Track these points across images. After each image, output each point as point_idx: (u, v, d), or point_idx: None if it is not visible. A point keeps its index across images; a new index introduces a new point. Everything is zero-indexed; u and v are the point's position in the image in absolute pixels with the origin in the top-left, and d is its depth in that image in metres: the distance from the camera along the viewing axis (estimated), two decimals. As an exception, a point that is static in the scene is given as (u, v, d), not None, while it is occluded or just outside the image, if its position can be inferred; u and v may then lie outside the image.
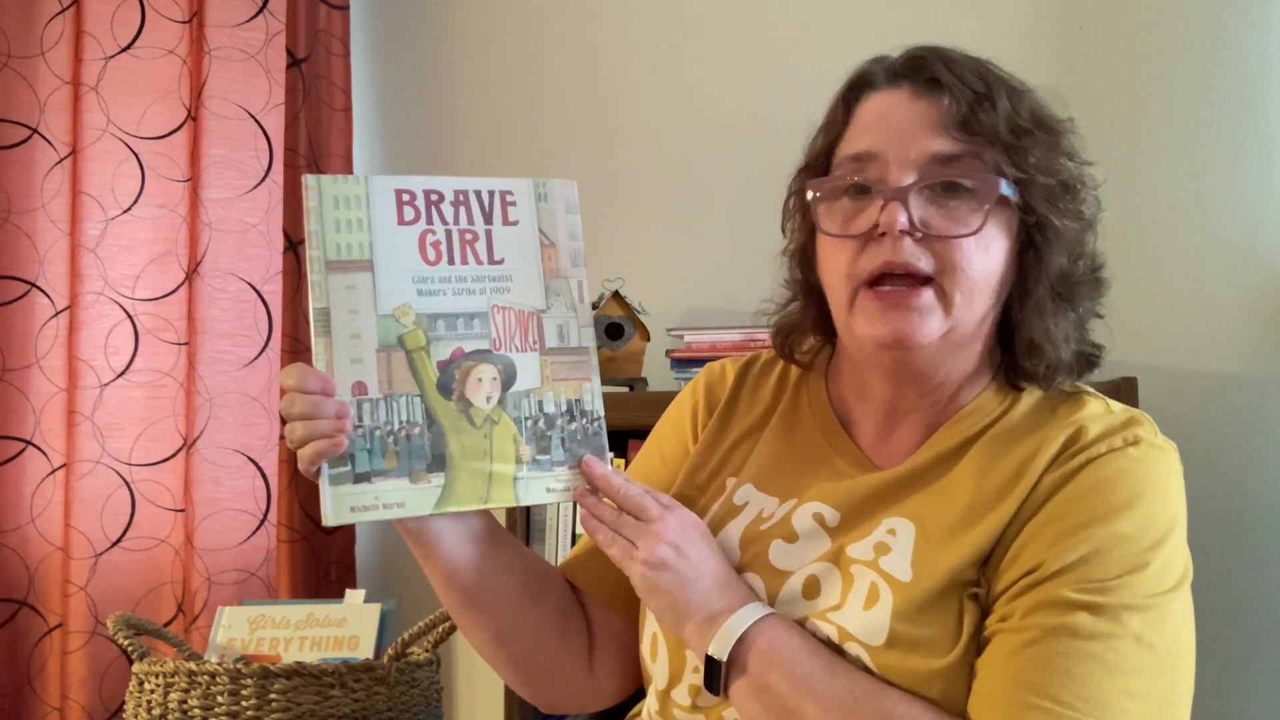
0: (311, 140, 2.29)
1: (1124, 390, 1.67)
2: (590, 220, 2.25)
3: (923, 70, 0.96)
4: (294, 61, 2.26)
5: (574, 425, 1.02)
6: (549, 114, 2.33)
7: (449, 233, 1.01)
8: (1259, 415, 1.87)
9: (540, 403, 1.01)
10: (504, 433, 0.99)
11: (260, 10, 2.21)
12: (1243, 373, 1.88)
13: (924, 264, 0.92)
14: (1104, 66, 1.96)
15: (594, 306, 2.04)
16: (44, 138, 2.21)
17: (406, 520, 0.97)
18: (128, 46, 2.20)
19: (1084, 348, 1.00)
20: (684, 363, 1.97)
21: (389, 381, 0.96)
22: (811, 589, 0.95)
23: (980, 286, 0.94)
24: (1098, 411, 0.96)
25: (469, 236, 1.01)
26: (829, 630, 0.92)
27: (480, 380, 0.99)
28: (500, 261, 1.02)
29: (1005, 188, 0.93)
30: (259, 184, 2.20)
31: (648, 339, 2.06)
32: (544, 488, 1.00)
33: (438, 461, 0.96)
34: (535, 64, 2.35)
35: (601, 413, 1.04)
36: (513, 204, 1.03)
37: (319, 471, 0.93)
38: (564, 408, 1.02)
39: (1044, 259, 0.96)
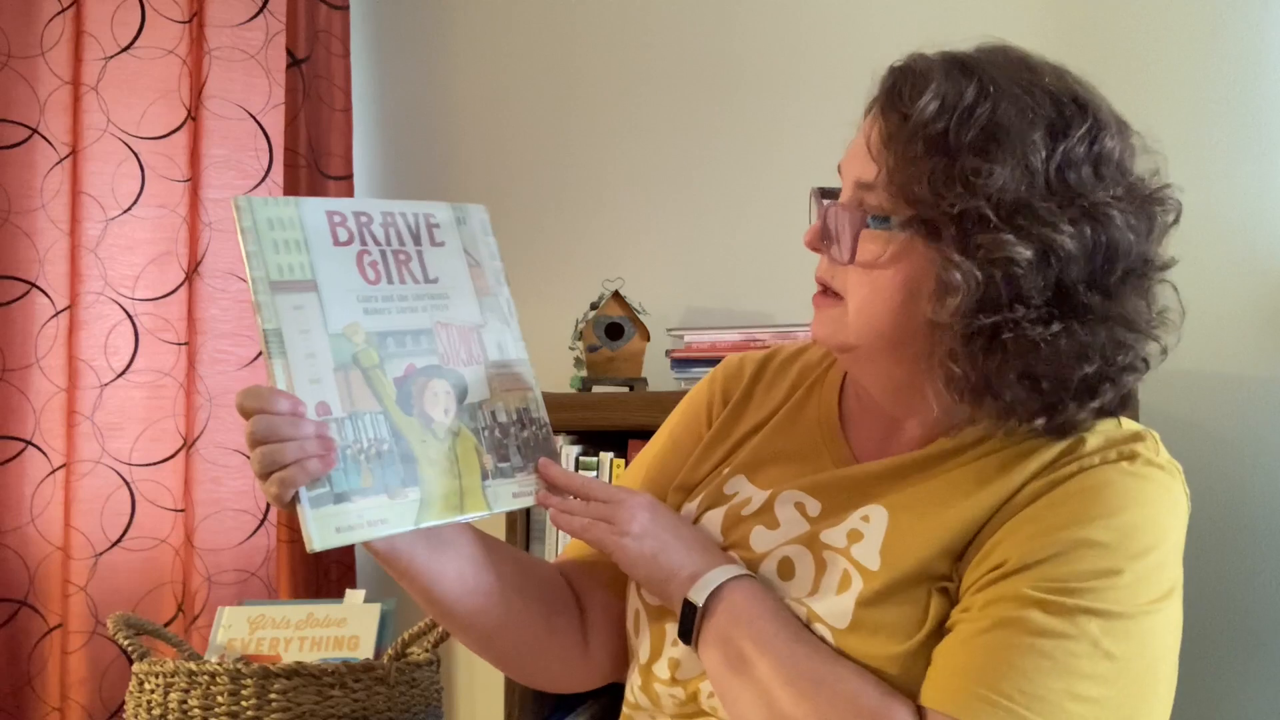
0: (311, 140, 2.29)
1: (1124, 390, 1.67)
2: (591, 220, 2.28)
3: (885, 84, 0.97)
4: (294, 61, 2.26)
5: (526, 433, 1.04)
6: (548, 113, 2.34)
7: (384, 253, 1.01)
8: (1259, 415, 1.87)
9: (493, 413, 1.02)
10: (466, 444, 1.00)
11: (260, 10, 2.21)
12: (1243, 373, 1.88)
13: (828, 278, 0.99)
14: (1102, 67, 1.95)
15: (594, 307, 2.04)
16: (44, 138, 2.21)
17: (375, 541, 0.96)
18: (128, 46, 2.20)
19: (1054, 404, 0.90)
20: (684, 363, 1.97)
21: (350, 400, 0.95)
22: (786, 570, 0.97)
23: (867, 310, 0.94)
24: (1105, 427, 0.94)
25: (402, 257, 1.02)
26: (799, 611, 0.94)
27: (436, 394, 1.00)
28: (435, 280, 1.03)
29: (871, 222, 0.93)
30: (259, 184, 2.20)
31: (648, 339, 2.06)
32: (510, 493, 1.01)
33: (411, 476, 0.96)
34: (535, 64, 2.35)
35: (547, 419, 1.06)
36: (436, 226, 1.05)
37: (295, 498, 0.90)
38: (514, 417, 1.04)
39: (941, 298, 0.90)
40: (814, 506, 1.00)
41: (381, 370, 0.97)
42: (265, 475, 0.89)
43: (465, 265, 1.05)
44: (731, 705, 0.93)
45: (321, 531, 0.90)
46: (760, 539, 1.00)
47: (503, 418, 1.03)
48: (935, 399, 0.94)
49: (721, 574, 0.95)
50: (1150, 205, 0.94)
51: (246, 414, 0.89)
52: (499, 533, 1.96)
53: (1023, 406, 0.90)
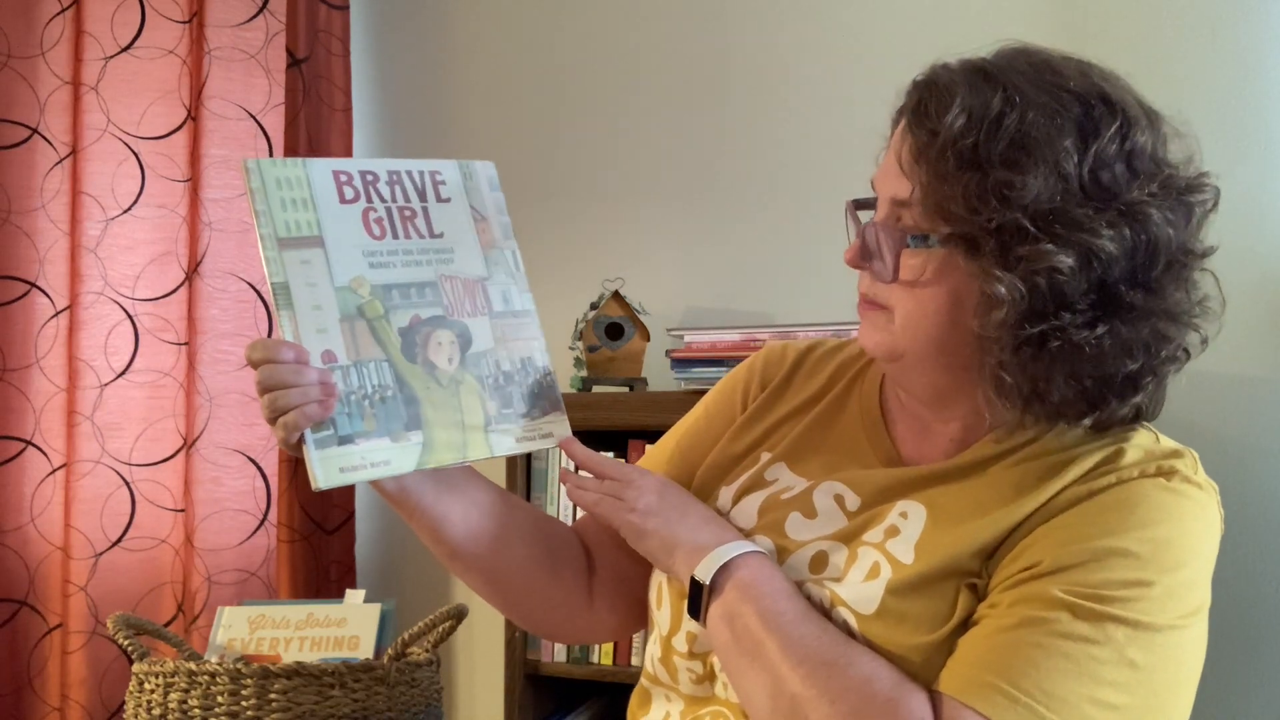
0: (311, 140, 2.29)
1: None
2: (591, 220, 2.28)
3: (911, 99, 0.96)
4: (294, 61, 2.26)
5: (531, 380, 1.08)
6: (549, 113, 2.34)
7: (389, 209, 1.05)
8: (1259, 415, 1.87)
9: (497, 361, 1.06)
10: (469, 391, 1.04)
11: (260, 10, 2.21)
12: (1243, 373, 1.88)
13: (872, 293, 0.98)
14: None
15: (594, 307, 2.04)
16: (44, 138, 2.21)
17: (385, 481, 1.01)
18: (128, 46, 2.20)
19: (1097, 401, 0.91)
20: (684, 363, 1.96)
21: (355, 349, 0.99)
22: (819, 564, 0.97)
23: (914, 324, 0.95)
24: (1144, 441, 0.95)
25: (408, 213, 1.06)
26: (822, 594, 0.94)
27: (440, 344, 1.04)
28: (440, 235, 1.07)
29: (911, 241, 0.93)
30: (259, 184, 2.20)
31: (648, 339, 2.06)
32: (513, 439, 1.06)
33: (414, 421, 1.00)
34: (534, 64, 2.35)
35: (551, 367, 1.10)
36: (442, 183, 1.09)
37: (301, 440, 0.95)
38: (518, 365, 1.08)
39: (986, 312, 0.90)
40: (853, 500, 1.00)
41: (386, 321, 1.01)
42: (273, 420, 0.94)
43: (471, 220, 1.09)
44: (738, 682, 0.93)
45: (326, 471, 0.95)
46: (796, 527, 1.01)
47: (507, 366, 1.07)
48: (986, 405, 0.95)
49: (730, 550, 0.96)
50: (1187, 195, 0.92)
51: (255, 364, 0.95)
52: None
53: (1071, 408, 0.91)
